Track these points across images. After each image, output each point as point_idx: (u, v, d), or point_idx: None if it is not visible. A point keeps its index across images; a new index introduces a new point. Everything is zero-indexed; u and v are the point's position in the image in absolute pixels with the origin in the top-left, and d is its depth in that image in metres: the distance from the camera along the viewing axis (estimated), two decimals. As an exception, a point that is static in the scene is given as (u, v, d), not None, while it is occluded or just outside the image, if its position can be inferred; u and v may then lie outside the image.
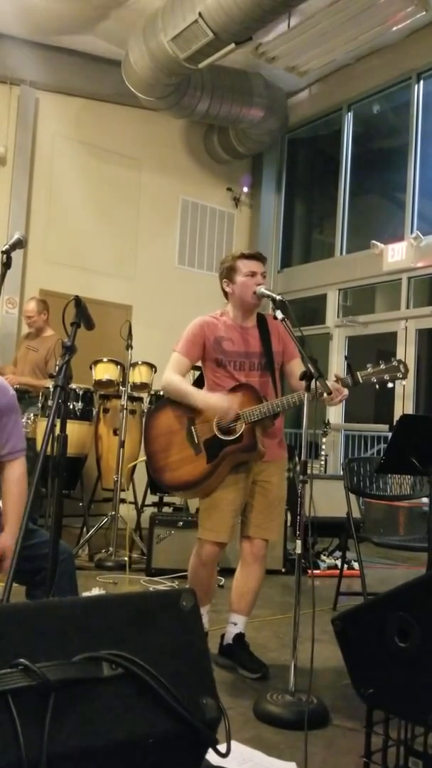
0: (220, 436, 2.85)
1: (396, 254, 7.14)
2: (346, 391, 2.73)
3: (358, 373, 2.74)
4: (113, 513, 4.93)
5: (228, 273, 2.99)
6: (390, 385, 2.73)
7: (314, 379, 2.48)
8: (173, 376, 2.96)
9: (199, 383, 3.11)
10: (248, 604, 3.01)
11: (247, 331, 3.01)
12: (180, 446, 2.93)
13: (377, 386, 2.74)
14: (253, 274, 2.94)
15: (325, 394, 2.54)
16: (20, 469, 2.51)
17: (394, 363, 2.72)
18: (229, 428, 2.85)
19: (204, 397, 2.90)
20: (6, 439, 2.47)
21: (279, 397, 2.95)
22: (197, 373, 3.23)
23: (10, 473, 2.49)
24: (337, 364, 7.80)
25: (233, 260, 2.98)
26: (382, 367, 2.72)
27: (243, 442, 2.83)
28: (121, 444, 4.94)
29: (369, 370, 2.73)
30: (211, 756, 1.44)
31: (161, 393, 3.13)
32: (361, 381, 2.73)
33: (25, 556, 2.12)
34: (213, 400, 2.87)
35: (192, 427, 2.92)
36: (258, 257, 2.99)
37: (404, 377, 2.72)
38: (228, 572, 3.88)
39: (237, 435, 2.83)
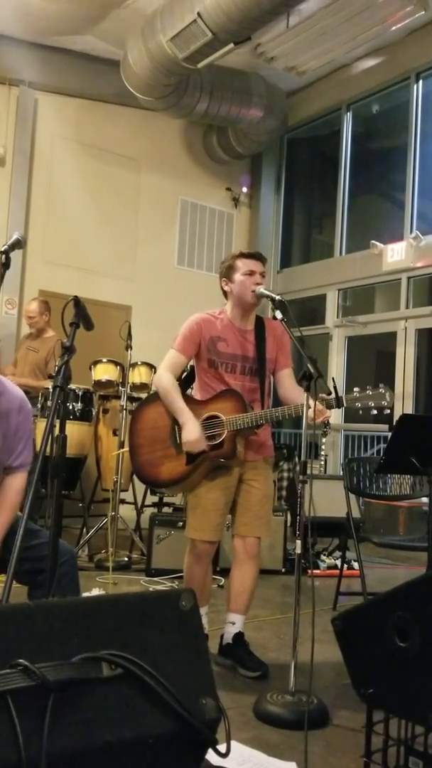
0: None
1: (395, 254, 7.14)
2: (329, 413, 2.73)
3: (343, 396, 2.73)
4: (113, 513, 4.93)
5: (227, 272, 3.00)
6: (374, 412, 2.70)
7: (314, 380, 2.48)
8: (165, 375, 2.98)
9: (188, 380, 3.12)
10: (245, 602, 3.01)
11: (244, 334, 3.01)
12: (162, 443, 2.95)
13: (360, 412, 2.73)
14: (251, 273, 2.94)
15: (310, 411, 2.53)
16: (23, 481, 2.51)
17: (381, 390, 2.69)
18: (212, 433, 2.87)
19: (185, 418, 2.89)
20: (21, 450, 2.49)
21: (266, 404, 2.97)
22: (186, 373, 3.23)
23: (13, 483, 2.49)
24: (336, 365, 7.81)
25: (233, 259, 3.00)
26: (369, 393, 2.70)
27: (223, 449, 2.84)
28: (121, 444, 4.93)
29: (355, 394, 2.72)
30: (211, 756, 1.44)
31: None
32: (345, 404, 2.73)
33: (26, 556, 2.12)
34: (189, 426, 2.86)
35: (176, 427, 2.93)
36: (257, 257, 3.00)
37: (389, 407, 2.69)
38: (228, 572, 3.87)
39: (219, 441, 2.85)
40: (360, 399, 2.71)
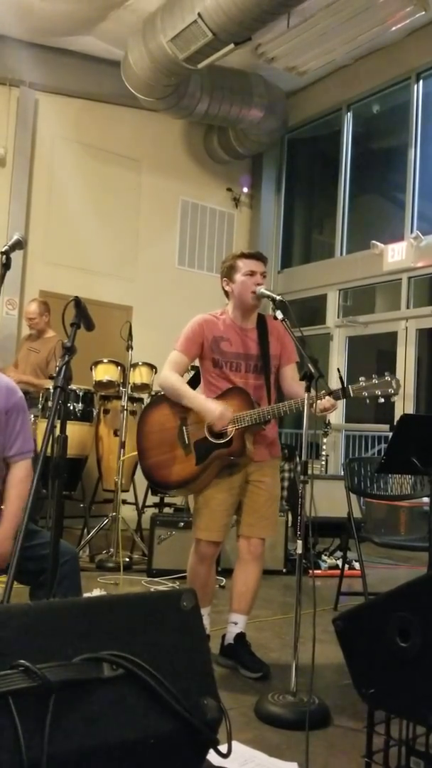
0: (210, 439, 2.87)
1: (396, 254, 7.14)
2: (337, 405, 2.73)
3: (349, 387, 2.72)
4: (114, 514, 4.93)
5: (228, 272, 3.00)
6: (381, 400, 2.68)
7: (315, 380, 2.49)
8: (171, 375, 2.98)
9: (194, 381, 3.12)
10: (248, 603, 3.01)
11: (246, 333, 3.02)
12: (171, 445, 2.95)
13: (368, 401, 2.71)
14: (252, 274, 2.94)
15: (315, 405, 2.53)
16: (24, 471, 2.53)
17: (387, 378, 2.68)
18: (220, 432, 2.86)
19: (201, 402, 2.90)
20: (13, 440, 2.51)
21: (273, 400, 2.96)
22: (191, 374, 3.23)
23: (14, 474, 2.52)
24: (337, 365, 7.80)
25: (233, 259, 3.00)
26: (375, 381, 2.69)
27: (232, 447, 2.84)
28: (122, 445, 4.93)
29: (361, 384, 2.71)
30: (212, 756, 1.44)
31: (161, 392, 3.14)
32: (352, 395, 2.71)
33: (28, 556, 2.12)
34: (208, 405, 2.86)
35: (184, 427, 2.93)
36: (258, 257, 3.00)
37: (396, 393, 2.67)
38: (229, 573, 3.87)
39: (227, 439, 2.85)
40: (366, 388, 2.70)
